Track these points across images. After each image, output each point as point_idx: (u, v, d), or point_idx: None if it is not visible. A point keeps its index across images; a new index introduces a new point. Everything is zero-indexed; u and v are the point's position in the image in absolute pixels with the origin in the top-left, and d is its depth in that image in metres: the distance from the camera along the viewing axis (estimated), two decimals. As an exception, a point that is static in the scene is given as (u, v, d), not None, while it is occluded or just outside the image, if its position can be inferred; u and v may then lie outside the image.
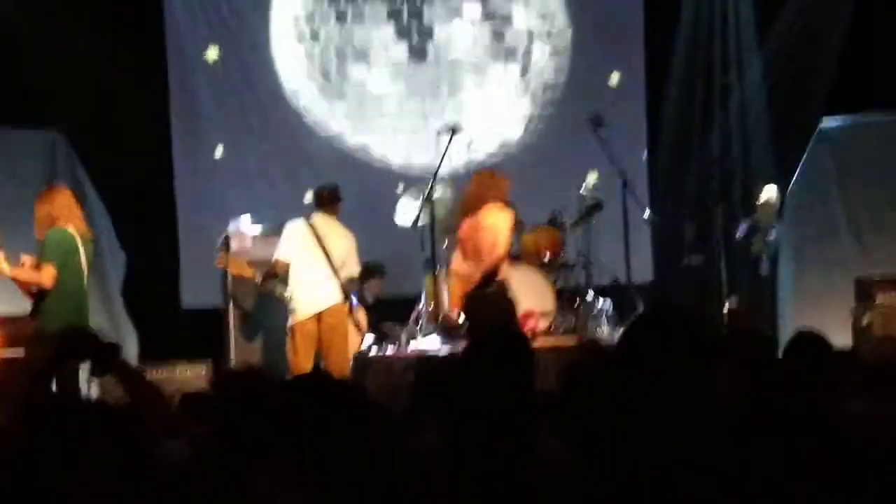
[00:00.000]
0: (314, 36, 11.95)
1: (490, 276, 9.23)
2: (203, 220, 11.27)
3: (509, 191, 9.44)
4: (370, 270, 10.39)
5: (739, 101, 12.08)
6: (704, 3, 12.08)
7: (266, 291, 9.36)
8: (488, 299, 9.12)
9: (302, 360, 8.85)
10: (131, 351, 10.69)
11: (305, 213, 9.28)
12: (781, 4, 11.75)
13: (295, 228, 9.07)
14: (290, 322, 8.93)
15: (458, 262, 9.49)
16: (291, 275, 8.94)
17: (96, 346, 4.05)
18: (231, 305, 9.71)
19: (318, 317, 8.93)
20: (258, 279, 9.18)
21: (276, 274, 8.99)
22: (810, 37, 11.60)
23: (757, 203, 11.16)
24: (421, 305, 10.05)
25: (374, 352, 9.74)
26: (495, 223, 9.30)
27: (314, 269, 8.96)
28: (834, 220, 11.68)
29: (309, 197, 9.75)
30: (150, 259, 11.16)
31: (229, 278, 9.63)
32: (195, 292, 11.26)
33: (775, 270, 11.20)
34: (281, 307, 9.14)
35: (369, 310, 10.34)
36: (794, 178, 11.74)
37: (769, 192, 11.17)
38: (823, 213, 11.73)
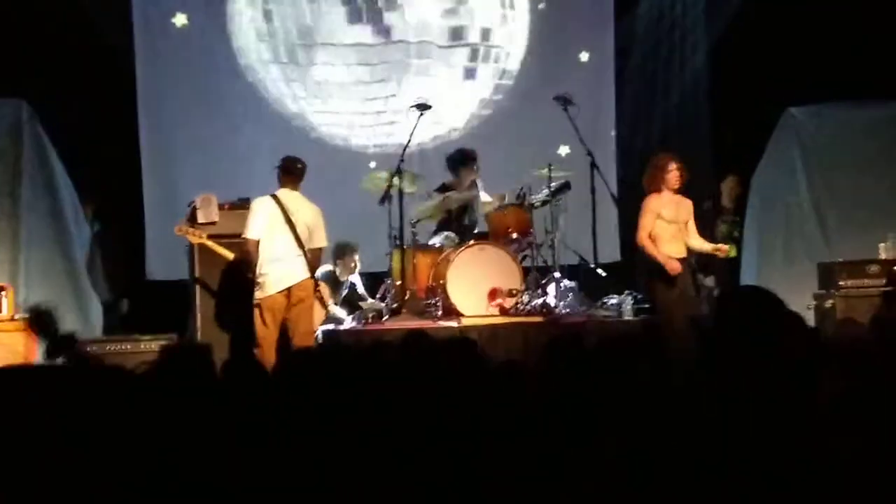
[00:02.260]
0: (267, 16, 11.90)
1: None
2: (169, 193, 11.24)
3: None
4: (342, 249, 10.41)
5: (680, 90, 12.22)
6: None
7: (231, 262, 9.36)
8: None
9: (270, 333, 8.88)
10: (96, 324, 10.66)
11: (271, 189, 9.25)
12: None
13: (262, 205, 9.05)
14: (257, 296, 8.91)
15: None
16: (260, 251, 8.92)
17: (52, 330, 4.10)
18: (196, 278, 9.67)
19: (287, 291, 8.93)
20: (229, 257, 9.19)
21: (249, 257, 8.96)
22: (756, 25, 11.70)
23: (719, 191, 11.25)
24: (388, 282, 10.09)
25: (344, 326, 9.79)
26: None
27: (282, 244, 8.95)
28: (799, 206, 11.78)
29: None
30: (116, 231, 11.12)
31: (195, 251, 9.60)
32: (161, 265, 11.23)
33: (739, 256, 11.29)
34: (246, 280, 9.12)
35: (343, 288, 10.40)
36: (760, 166, 11.83)
37: (729, 182, 11.28)
38: (789, 200, 11.83)
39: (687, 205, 9.21)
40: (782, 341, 2.81)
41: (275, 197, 9.06)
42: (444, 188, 10.39)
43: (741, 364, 2.81)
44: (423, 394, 3.97)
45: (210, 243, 9.37)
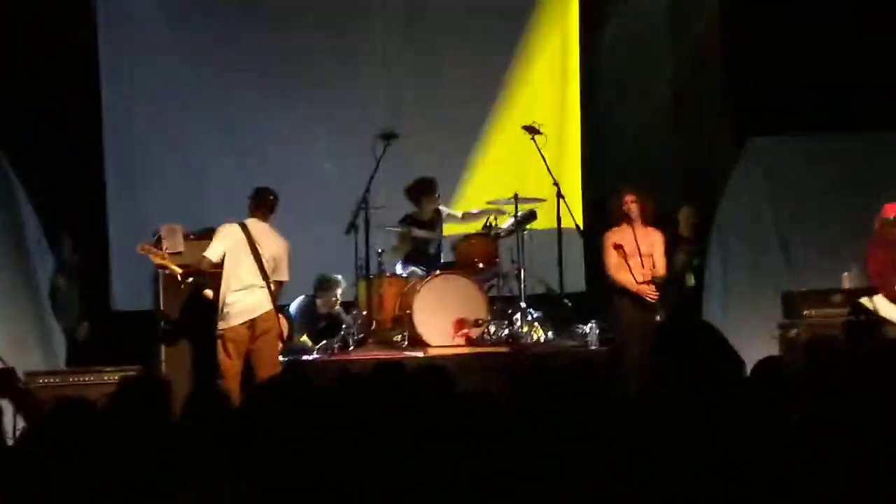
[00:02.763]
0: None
1: None
2: (134, 222, 11.19)
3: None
4: (326, 282, 10.41)
5: (644, 119, 12.30)
6: (628, 17, 12.28)
7: (194, 291, 9.28)
8: None
9: (233, 365, 8.80)
10: (59, 356, 10.56)
11: (238, 217, 9.20)
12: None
13: (229, 231, 8.98)
14: (220, 326, 8.84)
15: None
16: (224, 279, 8.84)
17: None
18: (160, 308, 9.60)
19: (251, 322, 8.86)
20: (179, 273, 9.09)
21: (199, 271, 8.91)
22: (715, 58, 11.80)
23: (676, 220, 11.31)
24: (354, 312, 10.06)
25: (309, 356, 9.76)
26: None
27: (246, 273, 8.87)
28: (763, 236, 11.85)
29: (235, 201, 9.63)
30: (80, 262, 11.04)
31: (160, 280, 9.53)
32: (126, 295, 11.16)
33: (700, 284, 11.32)
34: (210, 311, 9.07)
35: (320, 321, 10.39)
36: (724, 195, 11.90)
37: (685, 212, 11.34)
38: (753, 229, 11.89)
39: (653, 238, 9.27)
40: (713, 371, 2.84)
41: (242, 225, 8.99)
42: (406, 219, 10.39)
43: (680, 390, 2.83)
44: (394, 424, 3.96)
45: (170, 264, 9.22)
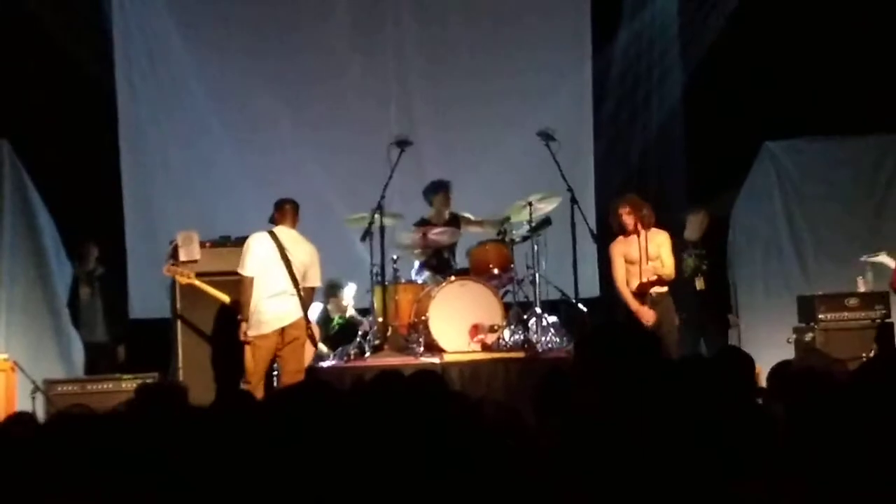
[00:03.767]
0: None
1: None
2: (151, 231, 11.25)
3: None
4: (334, 287, 10.47)
5: (657, 125, 12.31)
6: (640, 23, 12.29)
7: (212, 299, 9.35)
8: None
9: (259, 370, 8.88)
10: (78, 363, 10.63)
11: (253, 225, 9.27)
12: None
13: (259, 241, 9.02)
14: (251, 333, 8.87)
15: None
16: (255, 287, 8.92)
17: None
18: (178, 315, 9.65)
19: (282, 330, 8.92)
20: (208, 290, 9.16)
21: (245, 300, 8.91)
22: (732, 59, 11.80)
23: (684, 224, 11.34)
24: (370, 318, 10.09)
25: (326, 363, 9.80)
26: None
27: (278, 281, 8.92)
28: (778, 240, 11.86)
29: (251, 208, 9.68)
30: (105, 273, 11.09)
31: (177, 289, 9.58)
32: (144, 303, 11.20)
33: (710, 287, 11.30)
34: (229, 317, 9.11)
35: (332, 326, 10.44)
36: (738, 200, 11.91)
37: (698, 215, 11.34)
38: (767, 233, 11.90)
39: (659, 239, 9.34)
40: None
41: (271, 233, 9.05)
42: (422, 222, 10.43)
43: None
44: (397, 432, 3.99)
45: (200, 283, 9.29)
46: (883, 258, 10.20)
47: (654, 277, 9.23)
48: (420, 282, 10.21)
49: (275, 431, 3.49)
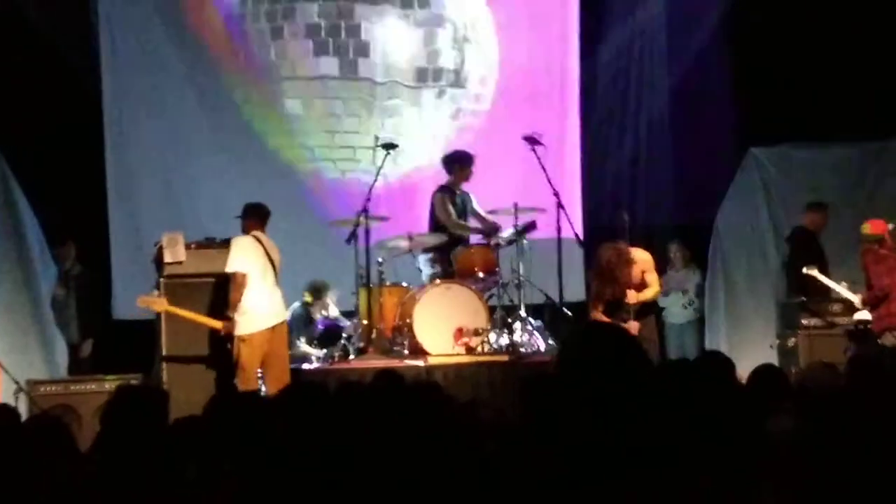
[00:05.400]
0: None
1: None
2: (135, 231, 11.22)
3: None
4: (319, 288, 10.50)
5: (643, 131, 12.35)
6: (628, 29, 12.34)
7: (197, 299, 9.32)
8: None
9: (255, 366, 8.94)
10: (61, 363, 10.60)
11: (236, 226, 9.29)
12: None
13: (247, 242, 9.11)
14: (244, 330, 8.92)
15: None
16: (250, 285, 8.96)
17: None
18: (163, 317, 9.61)
19: (273, 327, 9.01)
20: (220, 328, 9.13)
21: (238, 298, 8.93)
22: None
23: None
24: (354, 321, 10.09)
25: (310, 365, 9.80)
26: None
27: (269, 281, 9.08)
28: (763, 246, 11.90)
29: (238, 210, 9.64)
30: (82, 272, 11.06)
31: (161, 288, 9.54)
32: (128, 304, 11.16)
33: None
34: (214, 315, 9.12)
35: (315, 326, 10.46)
36: (723, 206, 11.96)
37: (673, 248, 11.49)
38: (752, 240, 11.95)
39: (642, 261, 9.40)
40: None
41: (255, 237, 9.14)
42: (442, 189, 10.41)
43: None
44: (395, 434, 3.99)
45: (184, 313, 9.17)
46: (843, 290, 10.18)
47: (636, 301, 9.32)
48: (423, 272, 10.22)
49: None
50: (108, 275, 11.35)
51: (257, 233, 9.18)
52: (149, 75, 11.72)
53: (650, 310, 9.68)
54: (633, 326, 9.19)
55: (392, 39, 12.16)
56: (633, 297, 9.32)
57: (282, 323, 9.17)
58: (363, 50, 12.09)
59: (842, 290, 10.15)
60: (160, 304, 9.22)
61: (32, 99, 10.83)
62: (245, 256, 9.01)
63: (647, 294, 9.41)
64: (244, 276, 8.94)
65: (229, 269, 8.98)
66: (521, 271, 10.08)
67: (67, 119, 11.10)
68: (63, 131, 11.02)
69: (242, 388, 8.55)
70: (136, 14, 11.74)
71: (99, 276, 11.19)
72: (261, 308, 8.99)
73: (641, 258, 9.47)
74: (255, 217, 9.24)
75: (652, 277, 9.50)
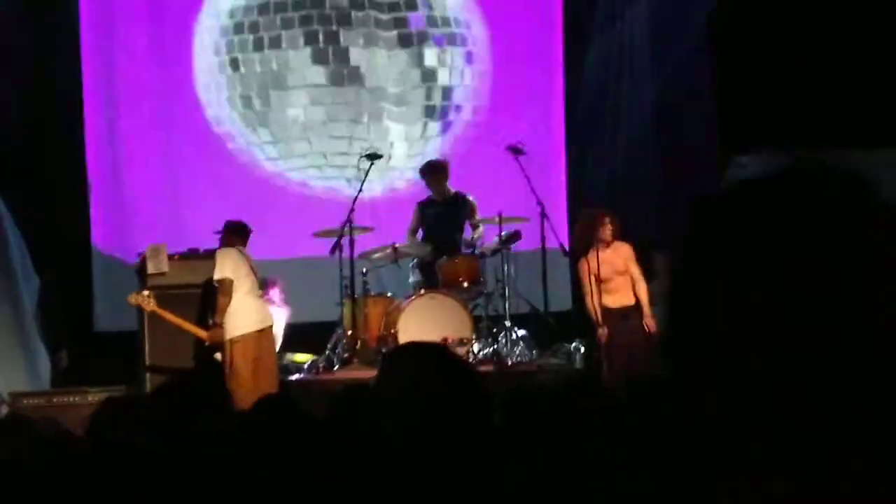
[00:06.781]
0: (234, 64, 11.92)
1: None
2: (118, 242, 11.18)
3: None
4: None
5: (628, 139, 12.35)
6: (612, 37, 12.34)
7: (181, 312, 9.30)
8: None
9: (250, 368, 8.86)
10: (44, 376, 10.54)
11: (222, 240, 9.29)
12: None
13: (233, 252, 9.11)
14: (236, 333, 8.88)
15: None
16: (238, 290, 8.95)
17: None
18: (144, 327, 9.58)
19: (261, 332, 8.98)
20: (205, 336, 9.11)
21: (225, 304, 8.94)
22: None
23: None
24: (339, 331, 10.07)
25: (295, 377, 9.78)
26: None
27: (253, 289, 9.09)
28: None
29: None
30: (63, 282, 11.01)
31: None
32: (109, 315, 11.12)
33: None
34: (199, 326, 9.09)
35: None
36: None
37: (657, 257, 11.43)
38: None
39: (622, 251, 9.35)
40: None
41: (239, 250, 9.16)
42: (419, 203, 10.47)
43: None
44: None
45: (171, 317, 9.20)
46: None
47: (633, 301, 9.29)
48: (411, 282, 10.21)
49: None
50: (90, 286, 11.29)
51: (240, 248, 9.19)
52: (130, 84, 11.67)
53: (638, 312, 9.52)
54: (602, 334, 9.18)
55: (378, 53, 12.13)
56: (643, 293, 9.25)
57: (269, 328, 9.12)
58: (348, 59, 12.06)
59: None
60: (149, 303, 9.19)
61: (15, 109, 10.76)
62: (232, 264, 9.01)
63: (644, 292, 9.31)
64: (232, 282, 8.93)
65: (217, 276, 8.96)
66: (506, 281, 10.07)
67: (51, 128, 11.03)
68: (45, 140, 10.96)
69: (236, 394, 8.45)
70: (118, 17, 11.70)
71: (80, 286, 11.14)
72: (249, 311, 8.97)
73: (621, 250, 9.41)
74: (235, 235, 9.24)
75: (637, 269, 9.42)
